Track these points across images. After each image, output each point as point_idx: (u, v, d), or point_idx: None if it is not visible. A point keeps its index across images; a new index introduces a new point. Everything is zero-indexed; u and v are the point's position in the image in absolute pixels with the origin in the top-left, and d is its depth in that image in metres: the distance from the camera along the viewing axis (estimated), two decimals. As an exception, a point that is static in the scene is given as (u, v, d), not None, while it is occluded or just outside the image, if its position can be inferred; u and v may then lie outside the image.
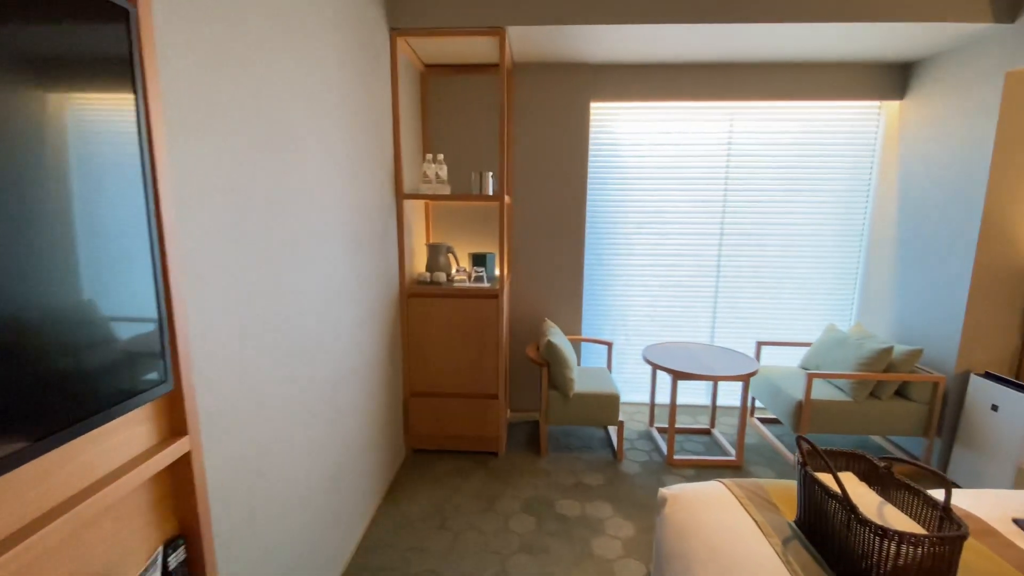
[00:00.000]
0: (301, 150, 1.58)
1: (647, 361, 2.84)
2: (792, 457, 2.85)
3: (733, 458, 2.78)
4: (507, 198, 2.73)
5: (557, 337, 2.77)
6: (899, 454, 2.94)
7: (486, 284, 2.71)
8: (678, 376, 2.65)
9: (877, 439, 3.11)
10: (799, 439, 1.28)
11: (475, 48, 2.72)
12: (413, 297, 2.67)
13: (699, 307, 3.46)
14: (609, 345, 3.19)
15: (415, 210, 2.97)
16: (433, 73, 3.06)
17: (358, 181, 2.03)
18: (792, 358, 3.47)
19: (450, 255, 2.95)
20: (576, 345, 3.35)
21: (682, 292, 3.44)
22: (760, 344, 3.31)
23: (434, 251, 2.87)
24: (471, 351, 2.70)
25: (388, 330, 2.47)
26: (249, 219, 1.27)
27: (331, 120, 1.78)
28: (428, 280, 2.74)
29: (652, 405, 3.19)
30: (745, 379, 2.66)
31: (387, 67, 2.42)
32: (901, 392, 2.78)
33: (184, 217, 1.04)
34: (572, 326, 3.34)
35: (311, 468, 1.66)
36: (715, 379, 2.62)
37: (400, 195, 2.56)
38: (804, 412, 2.69)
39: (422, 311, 2.68)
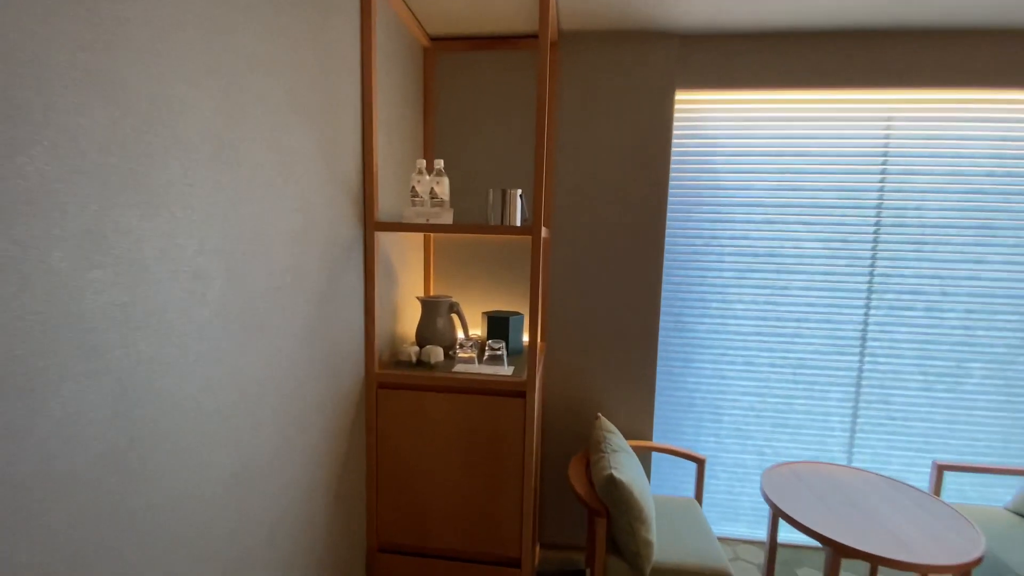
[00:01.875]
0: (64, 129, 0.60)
1: (774, 505, 1.69)
2: None
3: None
4: (544, 230, 1.70)
5: (625, 467, 1.66)
6: None
7: (506, 370, 1.66)
8: (843, 553, 1.48)
9: None
10: None
11: (503, 8, 1.77)
12: (386, 389, 1.64)
13: (832, 401, 2.28)
14: (700, 462, 2.04)
15: (408, 246, 1.98)
16: (442, 50, 2.12)
17: (262, 202, 1.05)
18: (995, 492, 2.23)
19: (454, 315, 1.92)
20: (643, 454, 2.21)
21: (806, 376, 2.27)
22: (941, 468, 2.09)
23: (429, 310, 1.85)
24: (479, 481, 1.63)
25: (337, 445, 1.44)
26: None
27: (193, 91, 0.81)
28: (413, 359, 1.71)
29: (770, 563, 1.99)
30: (967, 569, 1.46)
31: (352, 22, 1.47)
32: None
33: None
34: (639, 426, 2.22)
35: None
36: (913, 568, 1.43)
37: (370, 224, 1.58)
38: (1080, 630, 1.46)
39: (400, 411, 1.64)
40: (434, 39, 2.10)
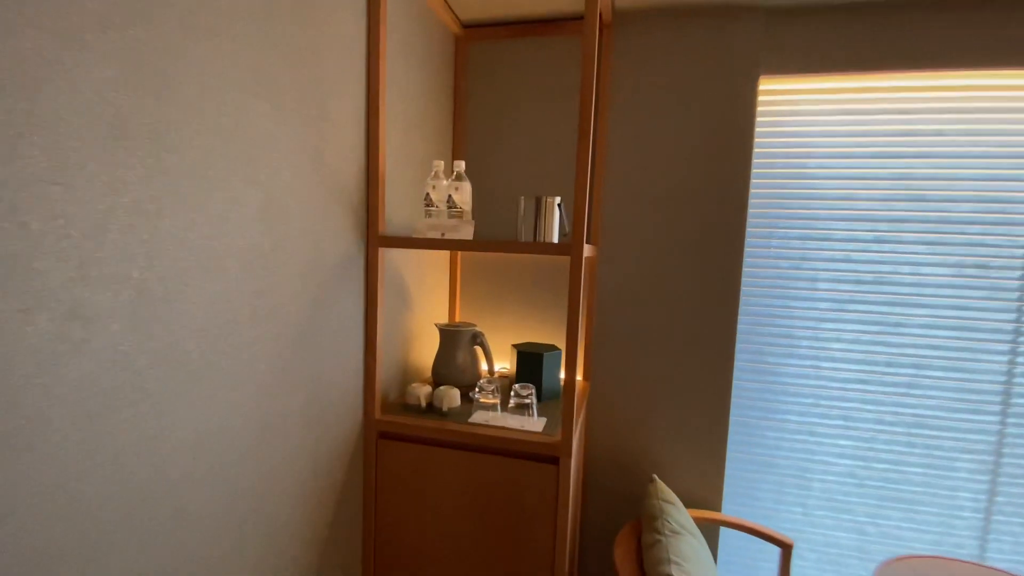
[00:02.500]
0: None
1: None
2: None
3: None
4: (588, 248, 1.36)
5: (689, 560, 1.26)
6: None
7: (535, 423, 1.32)
8: None
9: None
10: None
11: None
12: (388, 440, 1.34)
13: (960, 472, 1.76)
14: (786, 547, 1.60)
15: (429, 263, 1.69)
16: (476, 39, 1.83)
17: (200, 211, 0.78)
18: None
19: (478, 348, 1.61)
20: (710, 528, 1.79)
21: (926, 440, 1.77)
22: (1124, 575, 1.54)
23: (449, 340, 1.55)
24: (498, 565, 1.29)
25: (320, 515, 1.14)
26: None
27: (69, 50, 0.55)
28: (423, 403, 1.41)
29: None
30: None
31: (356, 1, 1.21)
32: None
33: None
34: (705, 491, 1.80)
35: None
36: None
37: (373, 239, 1.29)
38: None
39: (403, 468, 1.33)
40: (467, 26, 1.82)
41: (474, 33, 1.81)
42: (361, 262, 1.28)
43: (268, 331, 0.96)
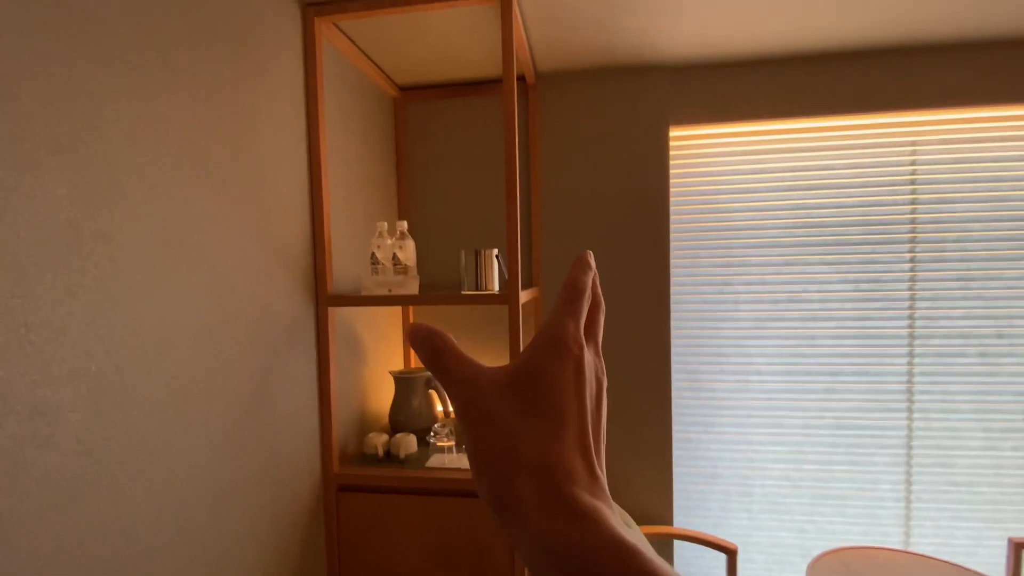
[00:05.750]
0: None
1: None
2: None
3: None
4: (527, 294, 1.48)
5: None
6: None
7: (489, 461, 1.41)
8: None
9: None
10: None
11: (474, 53, 1.61)
12: (347, 492, 1.39)
13: (879, 466, 1.95)
14: (731, 553, 1.72)
15: (381, 313, 1.77)
16: (412, 100, 1.96)
17: (150, 299, 0.85)
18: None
19: (432, 392, 1.69)
20: (663, 543, 1.90)
21: (847, 439, 1.96)
22: (1017, 545, 1.74)
23: (403, 387, 1.62)
24: (461, 600, 1.35)
25: (286, 558, 1.18)
26: None
27: (31, 176, 0.63)
28: (380, 453, 1.47)
29: None
30: None
31: (294, 82, 1.31)
32: None
33: None
34: (655, 507, 1.91)
35: None
36: None
37: (323, 299, 1.37)
38: None
39: (366, 519, 1.38)
40: (403, 88, 1.95)
41: (411, 95, 1.94)
42: (312, 322, 1.35)
43: (220, 401, 1.02)
